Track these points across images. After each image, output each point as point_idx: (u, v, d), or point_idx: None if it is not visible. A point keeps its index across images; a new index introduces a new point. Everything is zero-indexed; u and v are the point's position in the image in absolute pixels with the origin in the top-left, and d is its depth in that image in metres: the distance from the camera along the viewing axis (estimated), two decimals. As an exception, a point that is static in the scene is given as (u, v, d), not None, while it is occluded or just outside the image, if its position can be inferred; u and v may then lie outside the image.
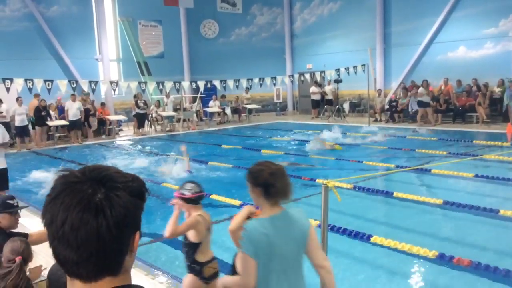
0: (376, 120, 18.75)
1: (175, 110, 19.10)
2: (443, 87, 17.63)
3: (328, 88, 21.09)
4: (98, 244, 1.00)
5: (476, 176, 7.90)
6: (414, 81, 18.74)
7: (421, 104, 16.70)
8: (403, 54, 19.52)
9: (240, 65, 22.25)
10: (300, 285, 2.44)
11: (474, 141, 12.01)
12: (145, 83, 17.81)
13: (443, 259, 4.49)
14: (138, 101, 17.65)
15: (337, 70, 18.28)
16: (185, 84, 19.17)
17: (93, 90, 16.44)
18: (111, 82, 17.20)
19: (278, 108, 24.05)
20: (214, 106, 20.53)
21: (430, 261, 4.57)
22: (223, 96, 21.35)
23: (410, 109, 17.70)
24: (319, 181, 7.57)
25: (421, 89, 16.66)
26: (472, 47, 17.51)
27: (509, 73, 16.14)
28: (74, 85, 15.80)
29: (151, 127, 18.66)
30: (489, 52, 17.09)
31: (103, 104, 18.25)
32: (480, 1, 17.02)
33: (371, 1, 20.33)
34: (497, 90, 16.11)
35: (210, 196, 7.19)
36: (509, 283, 4.02)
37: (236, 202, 6.89)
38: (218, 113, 20.79)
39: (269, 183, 2.33)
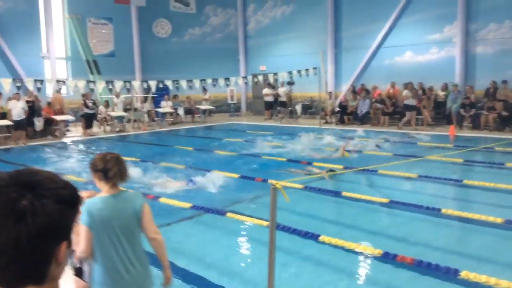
0: (326, 122, 19.11)
1: (125, 110, 18.69)
2: (390, 91, 18.22)
3: (281, 90, 21.30)
4: (17, 251, 0.96)
5: (420, 176, 8.22)
6: (363, 84, 19.27)
7: (407, 107, 16.44)
8: (353, 58, 20.04)
9: (193, 65, 22.10)
10: (136, 254, 2.88)
11: (419, 143, 12.48)
12: (94, 82, 17.32)
13: (387, 257, 4.62)
14: (87, 101, 17.13)
15: (290, 73, 18.50)
16: (136, 83, 18.80)
17: (39, 89, 15.83)
18: (58, 81, 16.60)
19: (232, 109, 24.04)
20: (166, 106, 20.26)
21: (375, 259, 4.70)
22: (175, 96, 21.10)
23: (359, 112, 18.16)
24: (270, 181, 7.61)
25: (406, 92, 16.47)
26: (418, 52, 18.22)
27: (453, 77, 16.91)
28: (19, 84, 15.14)
29: (100, 127, 18.16)
30: (434, 57, 17.84)
31: (49, 104, 17.57)
32: (426, 7, 17.74)
33: (322, 5, 20.73)
34: (441, 93, 16.83)
35: (159, 199, 7.09)
36: (450, 279, 4.18)
37: (186, 205, 6.81)
38: (171, 114, 20.52)
39: (107, 168, 2.85)
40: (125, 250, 2.83)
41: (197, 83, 17.87)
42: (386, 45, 19.09)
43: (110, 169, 2.85)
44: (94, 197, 2.93)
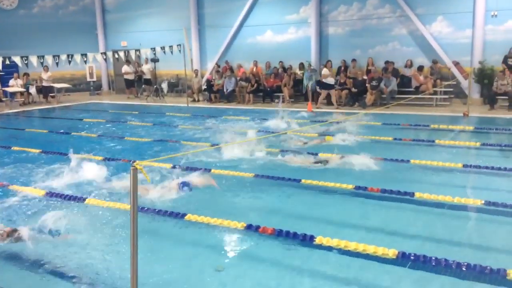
0: (194, 100, 19.07)
1: (-35, 90, 16.48)
2: (254, 69, 18.78)
3: (146, 67, 20.66)
4: None
5: (282, 151, 8.65)
6: (228, 61, 19.54)
7: (325, 86, 16.04)
8: (217, 35, 20.15)
9: (45, 40, 20.38)
10: None
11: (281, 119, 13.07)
12: None
13: (250, 229, 4.83)
14: None
15: (153, 49, 17.96)
16: (-23, 60, 16.61)
17: None
18: None
19: (92, 88, 22.65)
20: (15, 85, 18.33)
21: (240, 232, 4.87)
22: (26, 74, 19.17)
23: (225, 90, 18.42)
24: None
25: (325, 70, 16.01)
26: (277, 32, 18.98)
27: (309, 56, 17.99)
28: None
29: None
30: (292, 37, 18.76)
31: None
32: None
33: (184, -20, 20.39)
34: (298, 72, 17.82)
35: (9, 187, 6.44)
36: (306, 245, 4.52)
37: (40, 192, 6.29)
38: (21, 93, 18.63)
39: None
40: None
41: (49, 60, 16.38)
42: (247, 24, 19.51)
43: None
44: None
